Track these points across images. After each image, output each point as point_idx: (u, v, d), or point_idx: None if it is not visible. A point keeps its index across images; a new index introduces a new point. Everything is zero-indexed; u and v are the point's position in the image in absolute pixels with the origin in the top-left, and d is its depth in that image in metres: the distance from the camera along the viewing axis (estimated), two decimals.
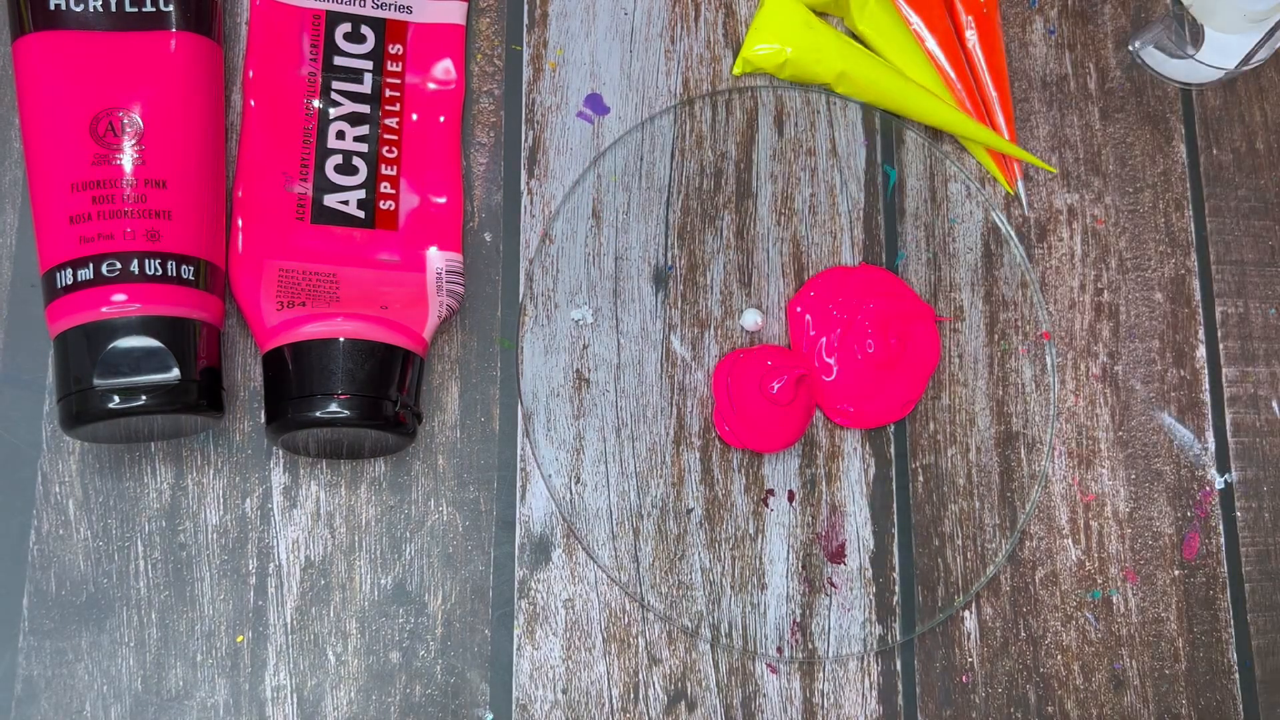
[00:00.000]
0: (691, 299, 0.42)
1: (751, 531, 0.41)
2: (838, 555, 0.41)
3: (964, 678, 0.41)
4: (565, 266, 0.42)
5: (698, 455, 0.41)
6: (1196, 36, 0.46)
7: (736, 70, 0.44)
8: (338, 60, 0.40)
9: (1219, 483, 0.44)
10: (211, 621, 0.37)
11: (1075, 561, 0.43)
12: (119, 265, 0.34)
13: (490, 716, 0.38)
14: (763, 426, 0.40)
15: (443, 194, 0.40)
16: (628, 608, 0.39)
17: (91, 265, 0.34)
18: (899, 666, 0.41)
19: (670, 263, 0.42)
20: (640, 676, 0.39)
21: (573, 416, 0.40)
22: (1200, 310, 0.46)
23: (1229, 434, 0.45)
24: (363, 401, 0.35)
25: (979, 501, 0.42)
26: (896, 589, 0.41)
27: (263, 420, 0.38)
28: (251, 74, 0.39)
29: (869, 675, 0.40)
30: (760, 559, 0.40)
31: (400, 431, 0.36)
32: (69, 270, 0.34)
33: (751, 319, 0.42)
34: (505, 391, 0.40)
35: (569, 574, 0.39)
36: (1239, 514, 0.44)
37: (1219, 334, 0.45)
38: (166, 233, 0.34)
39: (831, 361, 0.42)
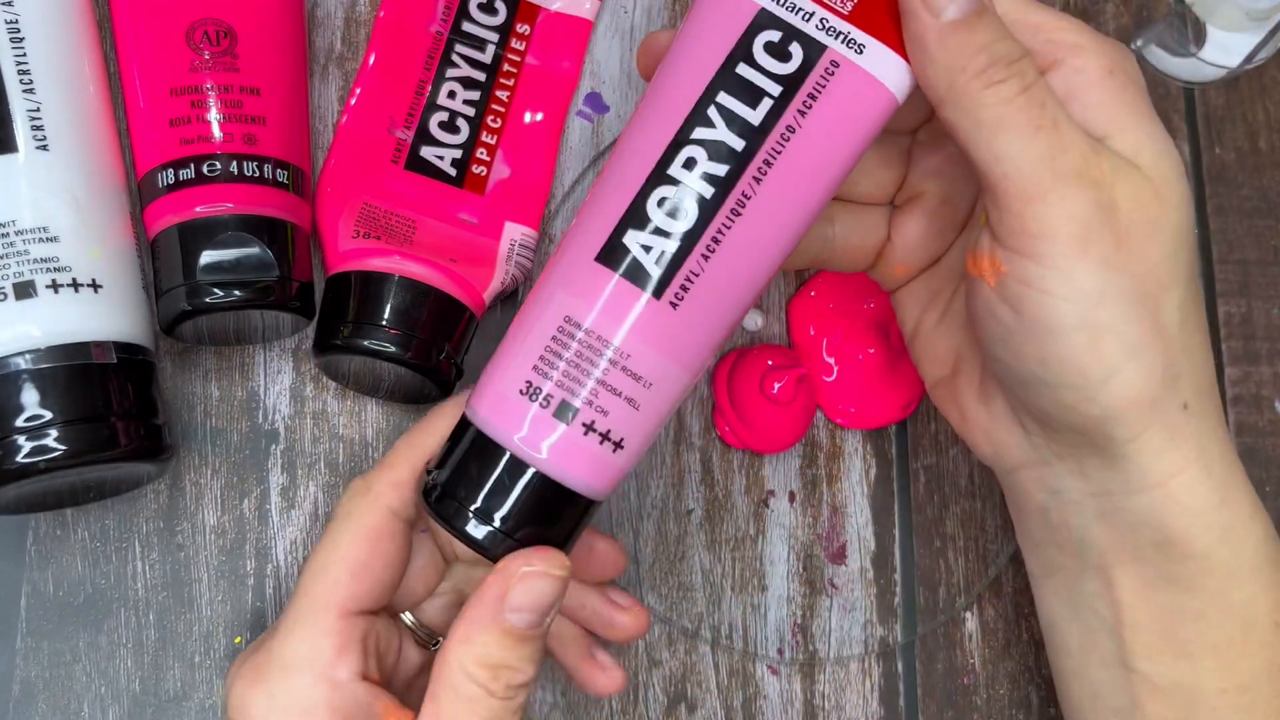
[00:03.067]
0: None
1: (752, 532, 0.40)
2: (839, 556, 0.41)
3: (965, 679, 0.41)
4: None
5: (698, 455, 0.41)
6: (1199, 35, 0.46)
7: None
8: (466, 26, 0.41)
9: None
10: (209, 623, 0.37)
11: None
12: (219, 166, 0.35)
13: None
14: (763, 427, 0.40)
15: (534, 172, 0.41)
16: None
17: (193, 165, 0.35)
18: (900, 668, 0.40)
19: None
20: (640, 678, 0.39)
21: None
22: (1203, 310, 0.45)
23: (1232, 434, 0.44)
24: (412, 341, 0.36)
25: (981, 502, 0.42)
26: (898, 590, 0.41)
27: (267, 407, 0.38)
28: (383, 14, 0.41)
29: (870, 677, 0.40)
30: (761, 560, 0.40)
31: (440, 380, 0.37)
32: (170, 170, 0.35)
33: (751, 319, 0.42)
34: None
35: None
36: None
37: (1222, 334, 0.45)
38: (262, 137, 0.36)
39: (832, 361, 0.41)
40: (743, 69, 0.28)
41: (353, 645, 0.29)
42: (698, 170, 0.28)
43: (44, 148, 0.34)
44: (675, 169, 0.28)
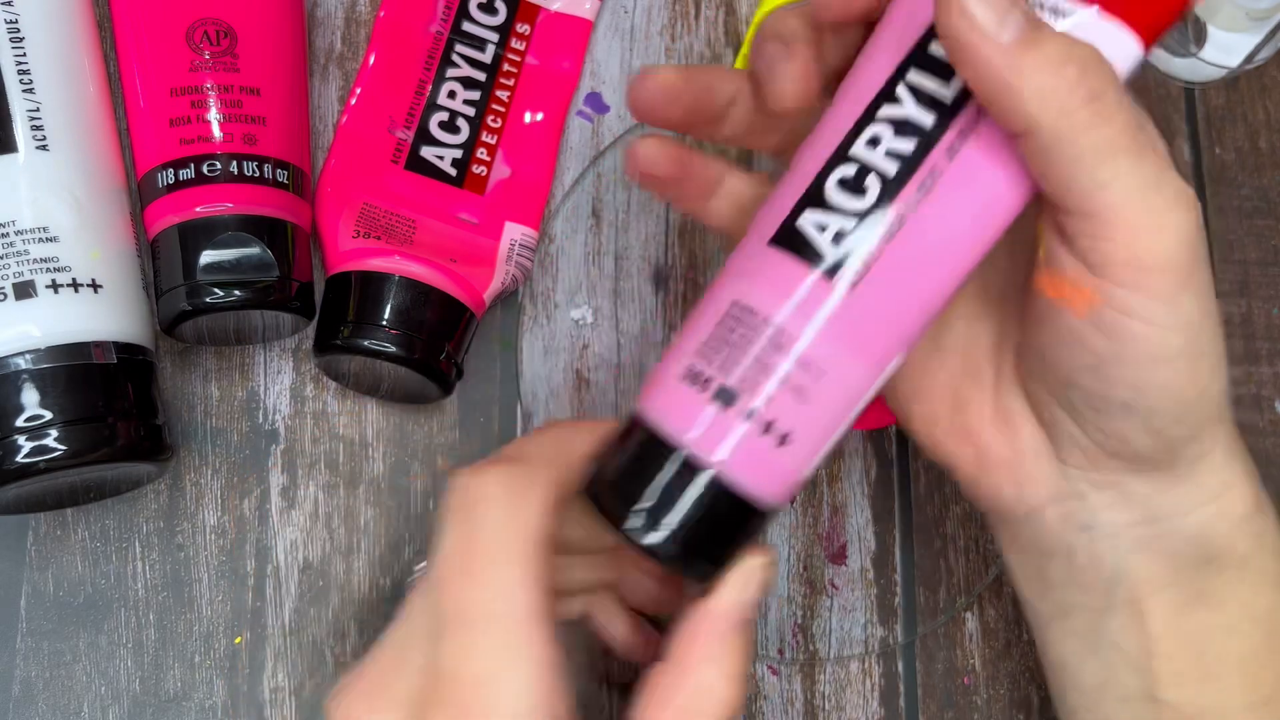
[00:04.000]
0: (692, 299, 0.42)
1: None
2: (839, 556, 0.41)
3: (966, 679, 0.41)
4: (565, 266, 0.41)
5: None
6: (1199, 35, 0.46)
7: (738, 67, 0.44)
8: (466, 26, 0.41)
9: None
10: (209, 623, 0.37)
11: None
12: (219, 166, 0.35)
13: None
14: None
15: (534, 172, 0.41)
16: None
17: (193, 165, 0.35)
18: (901, 668, 0.40)
19: (670, 262, 0.42)
20: None
21: (573, 417, 0.40)
22: None
23: None
24: (412, 341, 0.36)
25: None
26: (898, 590, 0.41)
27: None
28: (383, 14, 0.41)
29: (870, 677, 0.40)
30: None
31: (440, 381, 0.36)
32: (170, 170, 0.35)
33: None
34: (504, 392, 0.40)
35: None
36: None
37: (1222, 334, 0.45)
38: (262, 137, 0.36)
39: None
40: (935, 48, 0.26)
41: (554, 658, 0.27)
42: (882, 148, 0.26)
43: (44, 148, 0.34)
44: (858, 148, 0.26)
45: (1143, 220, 0.25)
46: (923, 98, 0.26)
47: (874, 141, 0.26)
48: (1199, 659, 0.30)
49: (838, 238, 0.26)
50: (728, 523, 0.27)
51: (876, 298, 0.26)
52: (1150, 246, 0.25)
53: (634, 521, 0.26)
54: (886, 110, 0.26)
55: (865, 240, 0.26)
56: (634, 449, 0.27)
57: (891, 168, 0.26)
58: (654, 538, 0.26)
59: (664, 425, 0.27)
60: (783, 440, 0.26)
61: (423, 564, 0.33)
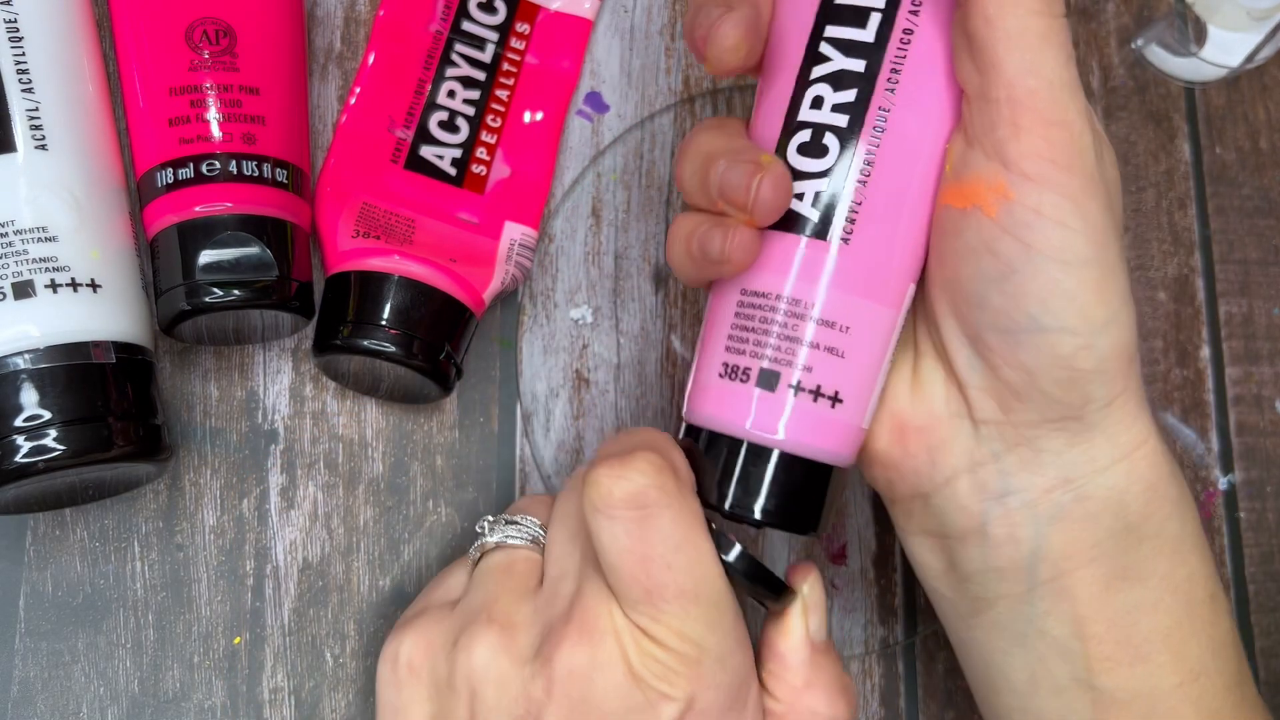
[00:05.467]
0: (692, 298, 0.42)
1: (752, 533, 0.40)
2: (839, 557, 0.41)
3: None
4: (564, 265, 0.41)
5: None
6: (1200, 34, 0.46)
7: None
8: (466, 25, 0.41)
9: (1222, 484, 0.44)
10: (209, 623, 0.37)
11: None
12: (218, 165, 0.35)
13: None
14: None
15: (534, 172, 0.41)
16: None
17: (192, 165, 0.35)
18: (901, 668, 0.40)
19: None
20: None
21: (572, 417, 0.40)
22: (1204, 310, 0.45)
23: (1233, 434, 0.44)
24: (412, 341, 0.36)
25: None
26: (898, 590, 0.41)
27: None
28: (383, 13, 0.41)
29: (871, 677, 0.40)
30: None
31: (440, 381, 0.36)
32: (169, 170, 0.35)
33: None
34: (504, 392, 0.40)
35: None
36: (1242, 515, 0.44)
37: (1222, 334, 0.45)
38: (261, 137, 0.36)
39: None
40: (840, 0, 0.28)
41: None
42: (827, 105, 0.27)
43: (43, 147, 0.34)
44: (805, 113, 0.28)
45: (1058, 115, 0.26)
46: (847, 47, 0.27)
47: (817, 102, 0.28)
48: (1128, 639, 0.30)
49: (816, 199, 0.27)
50: (813, 486, 0.29)
51: (870, 242, 0.28)
52: (1062, 141, 0.26)
53: (736, 508, 0.29)
54: (818, 70, 0.28)
55: (842, 194, 0.27)
56: (707, 451, 0.29)
57: (842, 120, 0.27)
58: (758, 518, 0.29)
59: (721, 424, 0.28)
60: (834, 401, 0.28)
61: (492, 518, 0.33)
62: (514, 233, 0.40)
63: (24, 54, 0.34)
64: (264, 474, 0.38)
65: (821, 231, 0.27)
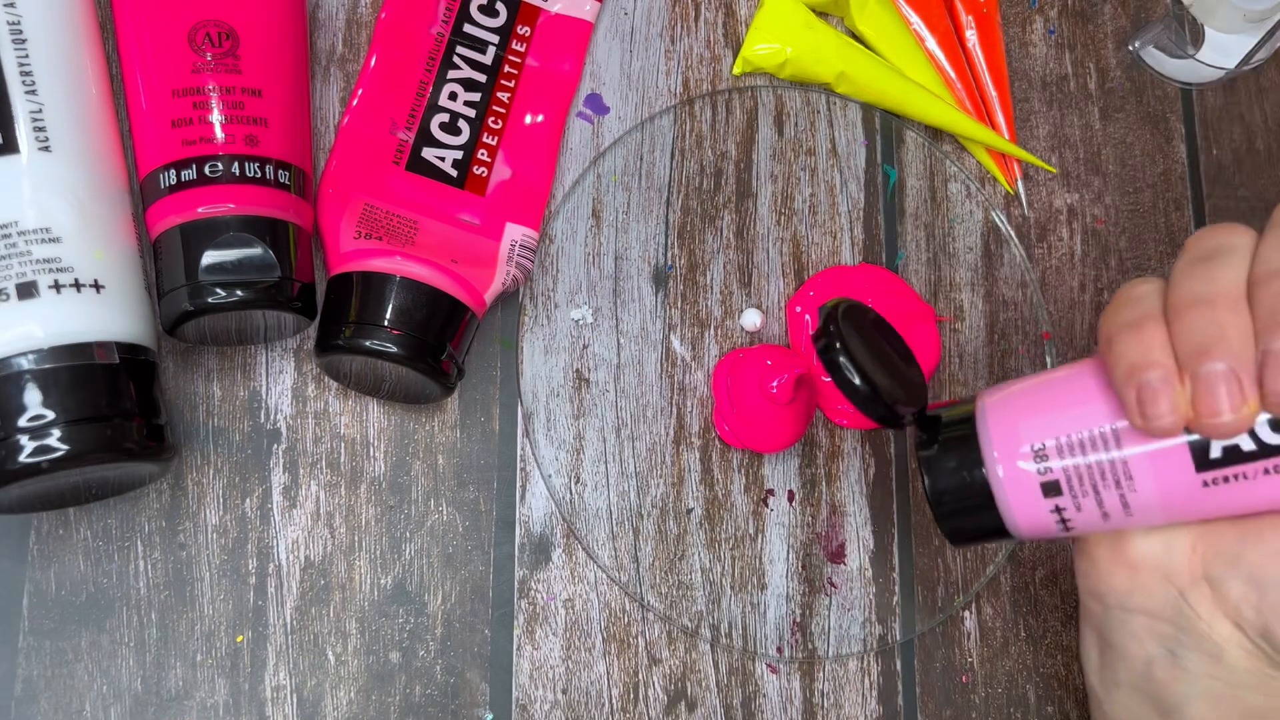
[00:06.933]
0: (691, 299, 0.42)
1: (751, 531, 0.41)
2: (838, 555, 0.41)
3: (964, 677, 0.41)
4: (565, 266, 0.42)
5: (698, 455, 0.41)
6: (1196, 36, 0.46)
7: (736, 70, 0.44)
8: (467, 28, 0.42)
9: None
10: (211, 621, 0.37)
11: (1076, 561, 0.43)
12: (221, 167, 0.35)
13: (490, 717, 0.38)
14: (762, 426, 0.40)
15: (535, 173, 0.41)
16: (628, 608, 0.39)
17: (195, 166, 0.35)
18: (899, 666, 0.41)
19: (670, 262, 0.42)
20: (640, 676, 0.39)
21: (573, 416, 0.40)
22: None
23: None
24: (414, 342, 0.36)
25: None
26: (896, 589, 0.41)
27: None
28: (385, 15, 0.41)
29: (869, 675, 0.40)
30: (760, 559, 0.40)
31: (441, 380, 0.37)
32: (172, 171, 0.35)
33: (751, 319, 0.42)
34: (505, 391, 0.40)
35: (569, 574, 0.39)
36: None
37: None
38: (264, 138, 0.36)
39: None
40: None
41: None
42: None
43: (46, 149, 0.34)
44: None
45: None
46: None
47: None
48: None
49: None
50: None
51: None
52: None
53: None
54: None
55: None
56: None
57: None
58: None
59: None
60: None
61: None
62: (515, 234, 0.40)
63: (27, 56, 0.34)
64: (266, 473, 0.38)
65: None
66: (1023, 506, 0.31)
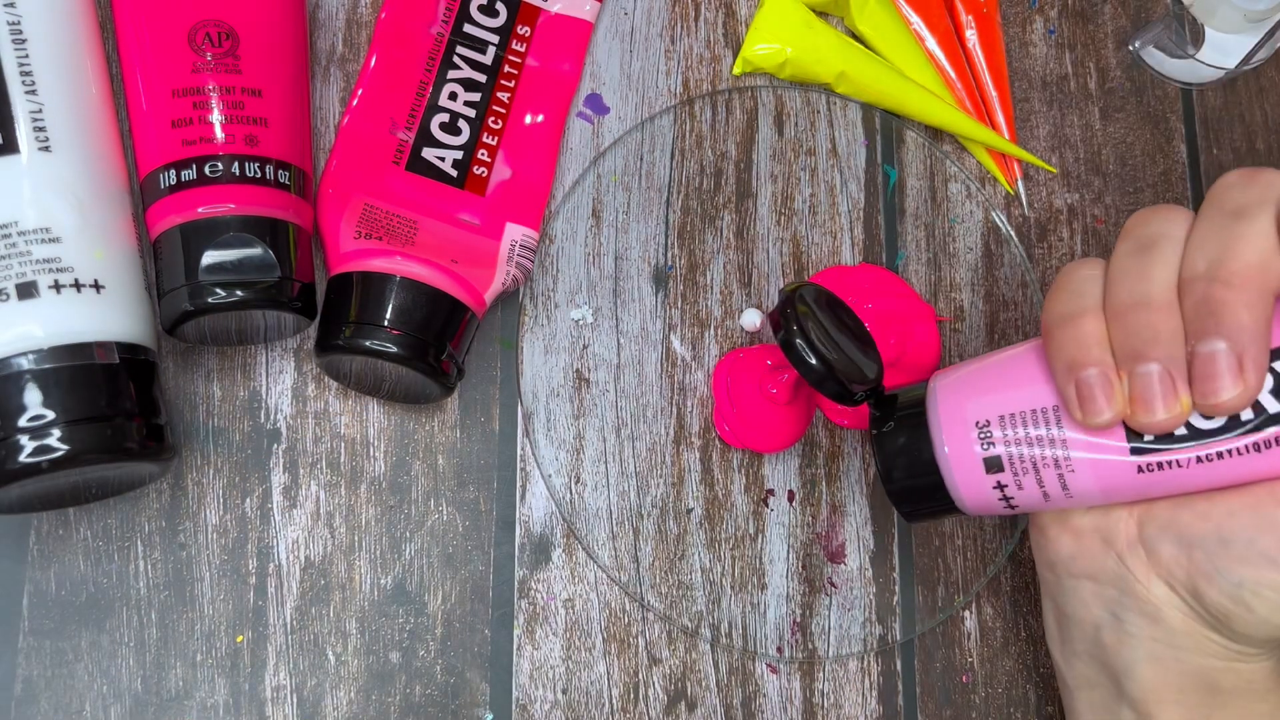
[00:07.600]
0: (691, 299, 0.42)
1: (751, 531, 0.41)
2: (838, 555, 0.41)
3: (964, 677, 0.41)
4: (565, 266, 0.42)
5: (698, 455, 0.41)
6: (1197, 36, 0.46)
7: (736, 70, 0.44)
8: (467, 28, 0.42)
9: None
10: (211, 621, 0.37)
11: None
12: (221, 167, 0.35)
13: (490, 716, 0.38)
14: (763, 426, 0.40)
15: (535, 173, 0.41)
16: (628, 608, 0.39)
17: (195, 166, 0.35)
18: (899, 666, 0.41)
19: (670, 263, 0.42)
20: (640, 676, 0.39)
21: (573, 416, 0.40)
22: None
23: None
24: (414, 342, 0.36)
25: None
26: (896, 589, 0.41)
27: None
28: (384, 15, 0.41)
29: (869, 675, 0.40)
30: (760, 559, 0.40)
31: (442, 381, 0.37)
32: (172, 171, 0.35)
33: (751, 319, 0.42)
34: (505, 391, 0.40)
35: (569, 574, 0.39)
36: None
37: None
38: (264, 138, 0.36)
39: None
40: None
41: None
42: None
43: (46, 149, 0.34)
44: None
45: None
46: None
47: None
48: None
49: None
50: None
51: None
52: None
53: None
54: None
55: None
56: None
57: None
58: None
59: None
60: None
61: None
62: (515, 234, 0.40)
63: (27, 56, 0.34)
64: (266, 473, 0.38)
65: None
66: (968, 483, 0.32)
